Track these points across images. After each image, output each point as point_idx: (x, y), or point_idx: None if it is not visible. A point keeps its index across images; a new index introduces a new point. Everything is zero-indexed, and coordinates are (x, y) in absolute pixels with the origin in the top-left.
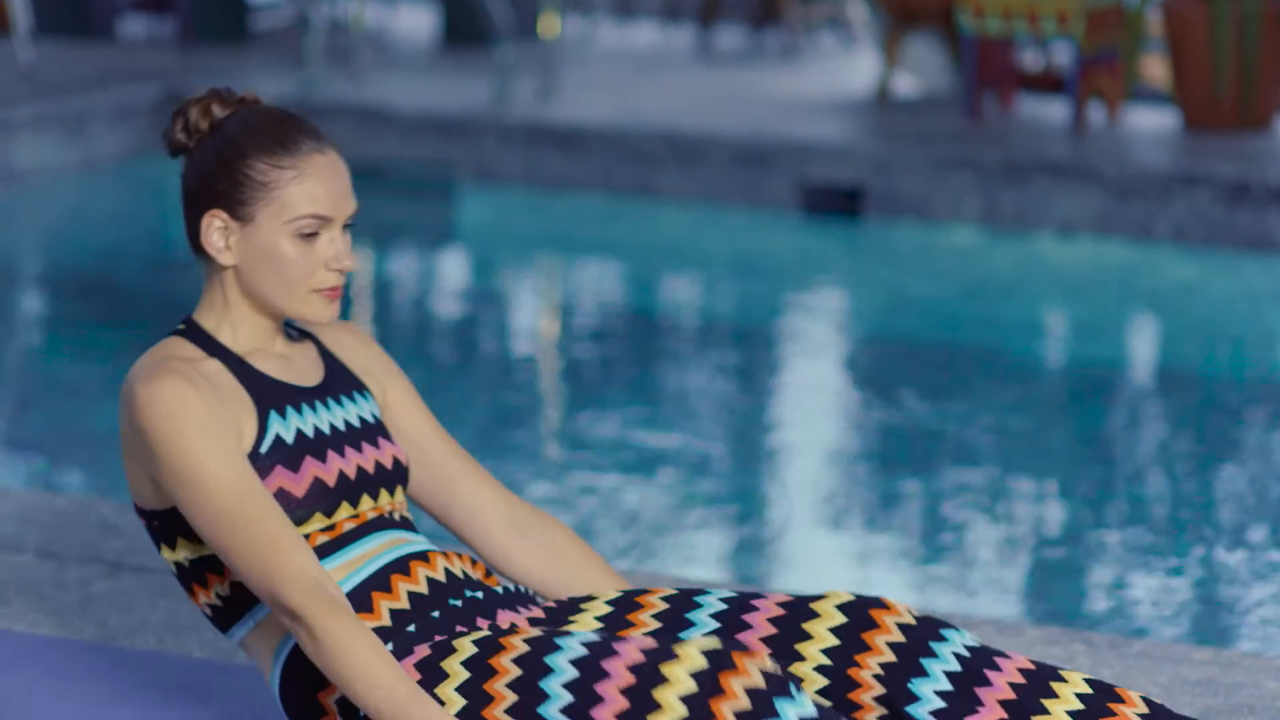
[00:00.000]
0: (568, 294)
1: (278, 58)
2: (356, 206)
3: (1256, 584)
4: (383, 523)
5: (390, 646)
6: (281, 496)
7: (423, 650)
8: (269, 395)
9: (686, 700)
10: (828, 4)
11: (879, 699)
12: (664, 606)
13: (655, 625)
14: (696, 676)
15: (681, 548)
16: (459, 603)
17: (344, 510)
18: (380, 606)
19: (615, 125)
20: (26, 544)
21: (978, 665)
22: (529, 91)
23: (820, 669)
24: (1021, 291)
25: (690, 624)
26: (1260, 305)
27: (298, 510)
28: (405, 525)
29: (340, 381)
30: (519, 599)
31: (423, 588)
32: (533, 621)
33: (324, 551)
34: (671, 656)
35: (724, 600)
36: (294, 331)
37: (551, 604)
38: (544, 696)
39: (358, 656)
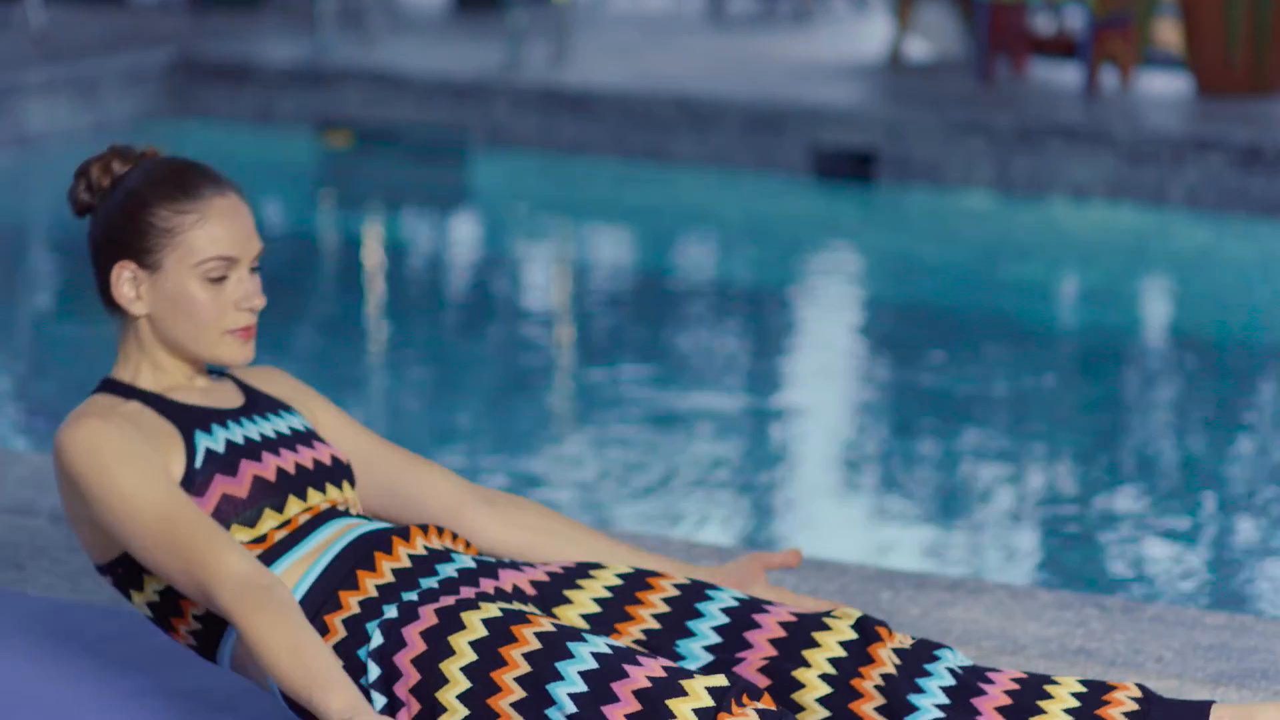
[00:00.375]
0: (580, 258)
1: (289, 22)
2: (262, 246)
3: (1270, 549)
4: (337, 513)
5: (394, 613)
6: (227, 503)
7: (430, 617)
8: (192, 419)
9: None
10: None
11: (880, 709)
12: (674, 593)
13: (664, 610)
14: (700, 713)
15: (694, 511)
16: (454, 569)
17: (294, 504)
18: (365, 582)
19: (627, 89)
20: (40, 508)
21: (972, 679)
22: (541, 55)
23: (825, 677)
24: (1034, 256)
25: (699, 614)
26: (1273, 269)
27: (247, 511)
28: (364, 517)
29: (263, 403)
30: (520, 564)
31: (418, 551)
32: (535, 584)
33: (284, 546)
34: (679, 693)
35: (734, 599)
36: (214, 372)
37: (557, 569)
38: (550, 701)
39: (274, 647)
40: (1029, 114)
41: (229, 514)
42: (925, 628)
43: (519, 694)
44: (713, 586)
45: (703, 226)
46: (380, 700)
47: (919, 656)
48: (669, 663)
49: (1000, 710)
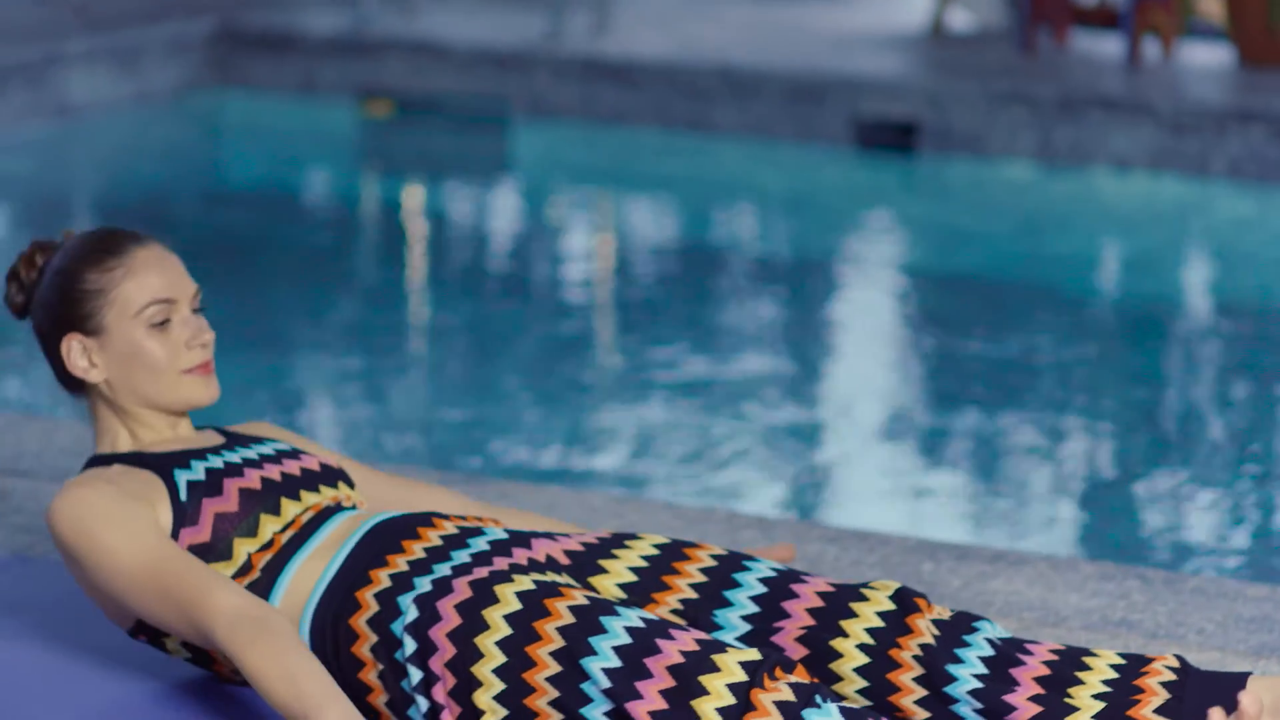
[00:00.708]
0: (621, 228)
1: None
2: (198, 287)
3: None
4: (343, 509)
5: (428, 587)
6: (221, 521)
7: (463, 590)
8: (170, 460)
9: (723, 712)
10: None
11: (918, 679)
12: (710, 564)
13: (701, 580)
14: (734, 689)
15: (734, 481)
16: (485, 542)
17: (290, 506)
18: (395, 559)
19: (669, 59)
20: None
21: (1010, 650)
22: (583, 25)
23: (863, 647)
24: (1075, 227)
25: (737, 585)
26: None
27: (243, 523)
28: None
29: (246, 439)
30: (554, 534)
31: (448, 530)
32: (569, 554)
33: (294, 545)
34: (712, 668)
35: (772, 570)
36: (202, 429)
37: (592, 539)
38: (584, 675)
39: (269, 676)
40: (1071, 85)
41: (227, 530)
42: (966, 599)
43: (554, 668)
44: (750, 557)
45: (743, 197)
46: (416, 675)
47: (957, 628)
48: (703, 636)
49: (1038, 680)
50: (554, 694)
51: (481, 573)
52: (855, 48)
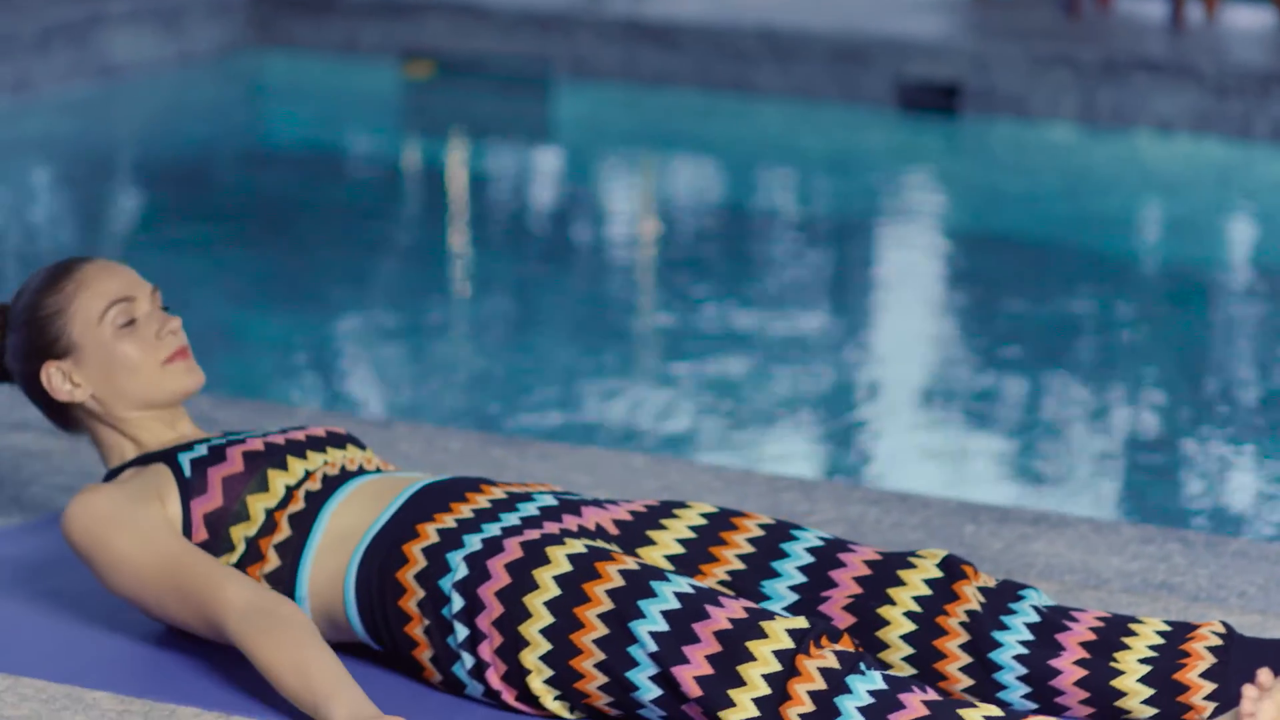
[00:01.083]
0: (662, 190)
1: None
2: (155, 286)
3: None
4: (367, 472)
5: (478, 545)
6: (228, 484)
7: (514, 550)
8: (174, 449)
9: (768, 678)
10: None
11: (964, 646)
12: (758, 533)
13: (749, 550)
14: (780, 655)
15: (777, 443)
16: (535, 507)
17: (296, 464)
18: (443, 516)
19: (711, 21)
20: None
21: (1057, 616)
22: None
23: (910, 615)
24: (1118, 190)
25: (784, 554)
26: None
27: (250, 481)
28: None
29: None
30: (603, 502)
31: (498, 495)
32: (618, 524)
33: (319, 498)
34: (759, 634)
35: (819, 539)
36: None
37: (640, 507)
38: (632, 639)
39: (279, 667)
40: (1114, 47)
41: (237, 490)
42: (1007, 561)
43: (601, 630)
44: (797, 526)
45: (785, 159)
46: (463, 632)
47: (1004, 595)
48: (750, 604)
49: (1084, 645)
50: (600, 656)
51: (532, 534)
52: (898, 9)
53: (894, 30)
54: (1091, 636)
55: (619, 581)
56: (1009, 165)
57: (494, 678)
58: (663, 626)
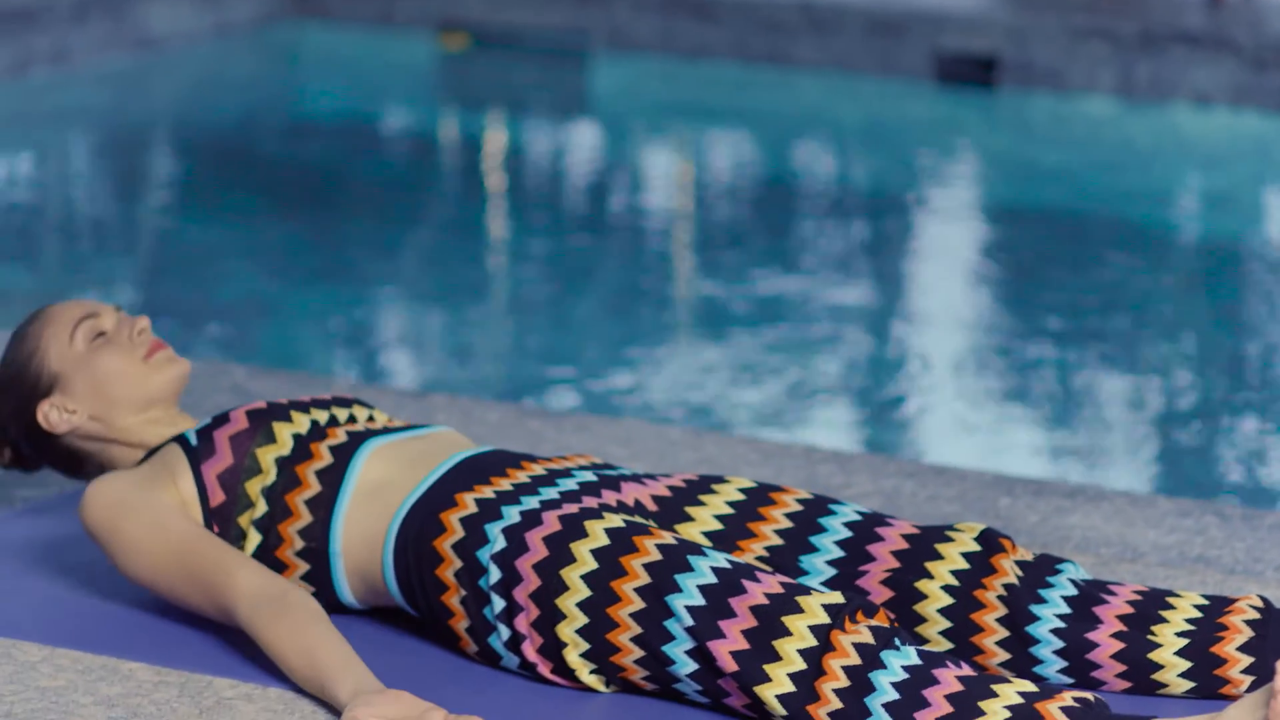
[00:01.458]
0: (700, 163)
1: None
2: (116, 304)
3: None
4: (391, 430)
5: (517, 518)
6: (235, 441)
7: (553, 523)
8: (183, 431)
9: (804, 654)
10: None
11: (1001, 620)
12: (796, 508)
13: (787, 526)
14: (815, 630)
15: (814, 416)
16: (574, 483)
17: (301, 416)
18: (483, 489)
19: None
20: None
21: (1094, 590)
22: None
23: (947, 588)
24: (1156, 163)
25: (822, 529)
26: None
27: (257, 435)
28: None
29: None
30: (641, 477)
31: (537, 471)
32: (657, 500)
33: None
34: (796, 609)
35: (857, 514)
36: None
37: (679, 482)
38: (669, 613)
39: (287, 653)
40: (1152, 19)
41: (245, 446)
42: (1043, 534)
43: (638, 604)
44: (835, 500)
45: (823, 131)
46: (500, 603)
47: (1041, 569)
48: (787, 579)
49: (1121, 618)
50: (637, 630)
51: (571, 508)
52: None
53: (931, 3)
54: (1129, 610)
55: (656, 556)
56: (1046, 138)
57: (530, 650)
58: (699, 601)
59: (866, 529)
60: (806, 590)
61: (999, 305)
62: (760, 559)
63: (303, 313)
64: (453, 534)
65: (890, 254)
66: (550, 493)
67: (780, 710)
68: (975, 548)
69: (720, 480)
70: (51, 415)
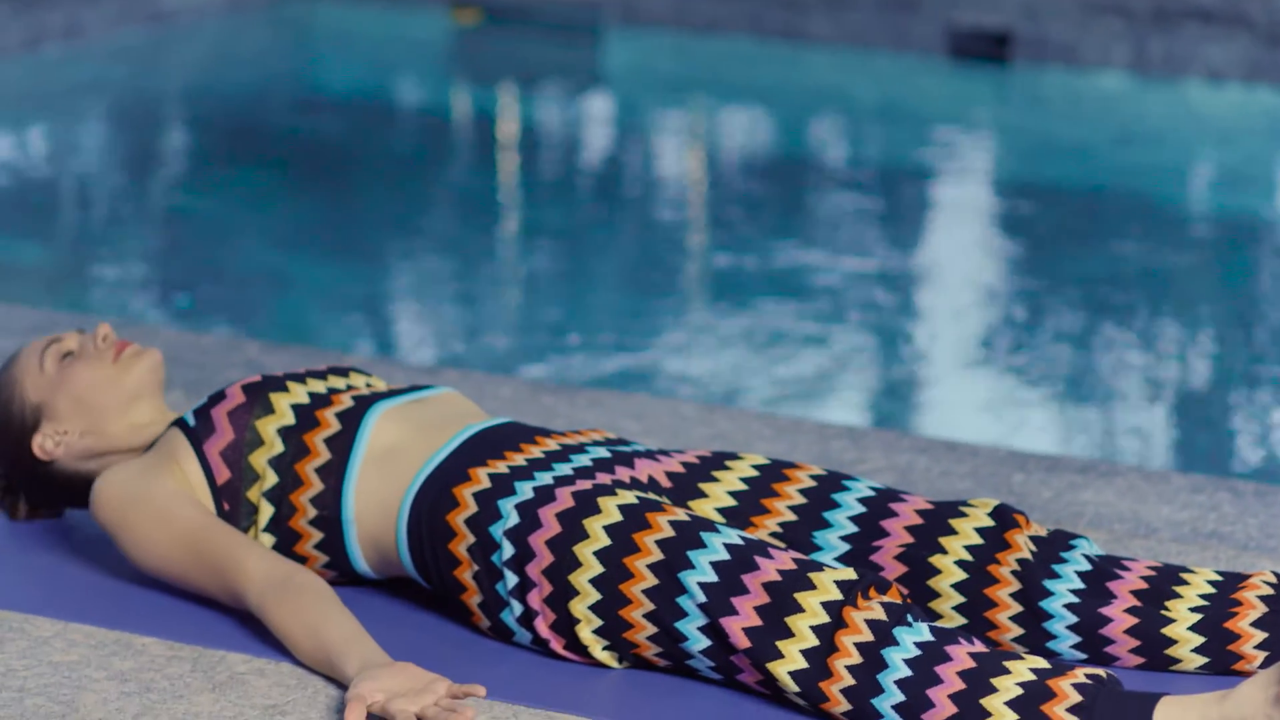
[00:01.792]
0: (713, 138)
1: None
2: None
3: None
4: (397, 393)
5: (530, 493)
6: (234, 416)
7: (566, 499)
8: (179, 416)
9: (816, 630)
10: None
11: (1014, 595)
12: (810, 484)
13: (800, 502)
14: (828, 607)
15: (825, 391)
16: (589, 459)
17: (297, 386)
18: (497, 463)
19: None
20: (175, 382)
21: (1108, 565)
22: None
23: (961, 564)
24: (1169, 139)
25: (836, 505)
26: None
27: (255, 408)
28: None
29: None
30: (655, 453)
31: (551, 447)
32: (671, 476)
33: (353, 421)
34: (808, 586)
35: (870, 489)
36: None
37: (693, 458)
38: (681, 589)
39: (295, 634)
40: None
41: (244, 420)
42: (1057, 510)
43: (651, 580)
44: (849, 476)
45: (837, 107)
46: (512, 579)
47: (1055, 544)
48: (800, 555)
49: (1136, 594)
50: (650, 606)
51: (584, 484)
52: None
53: None
54: (1143, 585)
55: (669, 532)
56: (1059, 114)
57: (542, 626)
58: (712, 578)
59: (880, 505)
60: (819, 566)
61: (1011, 280)
62: (774, 535)
63: (316, 288)
64: (466, 509)
65: (903, 229)
66: (564, 468)
67: (793, 686)
68: (989, 523)
69: (734, 456)
70: (46, 444)
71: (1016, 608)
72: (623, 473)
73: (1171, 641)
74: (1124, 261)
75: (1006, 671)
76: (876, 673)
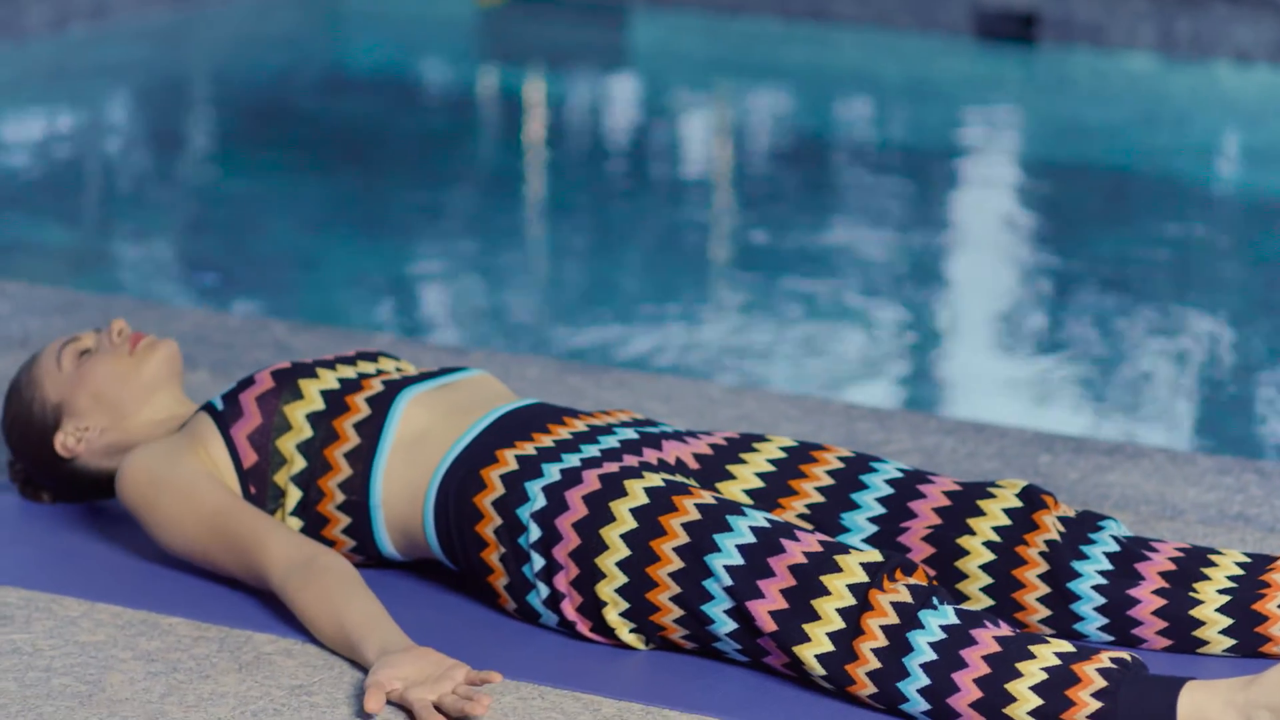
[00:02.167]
0: (739, 119)
1: None
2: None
3: None
4: (428, 377)
5: (557, 476)
6: (263, 401)
7: (592, 482)
8: (207, 401)
9: (842, 613)
10: None
11: (1042, 576)
12: (837, 465)
13: (828, 483)
14: (854, 589)
15: (851, 372)
16: (616, 440)
17: (326, 373)
18: (524, 445)
19: None
20: (201, 362)
21: (1136, 547)
22: None
23: (989, 544)
24: (1196, 119)
25: (864, 486)
26: None
27: (284, 393)
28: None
29: None
30: (683, 434)
31: (579, 428)
32: (699, 458)
33: (383, 405)
34: (834, 568)
35: (898, 471)
36: None
37: (720, 440)
38: (708, 572)
39: (318, 618)
40: None
41: (273, 405)
42: (1083, 492)
43: (677, 564)
44: (876, 458)
45: (863, 88)
46: (539, 561)
47: (1084, 525)
48: (825, 537)
49: (1164, 575)
50: (676, 590)
51: (611, 467)
52: None
53: None
54: (1171, 567)
55: (695, 515)
56: (1087, 95)
57: (569, 609)
58: (737, 560)
59: (908, 486)
60: (845, 549)
61: (1038, 261)
62: (802, 517)
63: (343, 268)
64: (493, 491)
65: (930, 210)
66: (591, 450)
67: (819, 670)
68: (1017, 504)
69: (761, 438)
70: (68, 442)
71: (1044, 589)
72: (650, 455)
73: (1199, 623)
74: (1151, 242)
75: (1031, 656)
76: (901, 656)
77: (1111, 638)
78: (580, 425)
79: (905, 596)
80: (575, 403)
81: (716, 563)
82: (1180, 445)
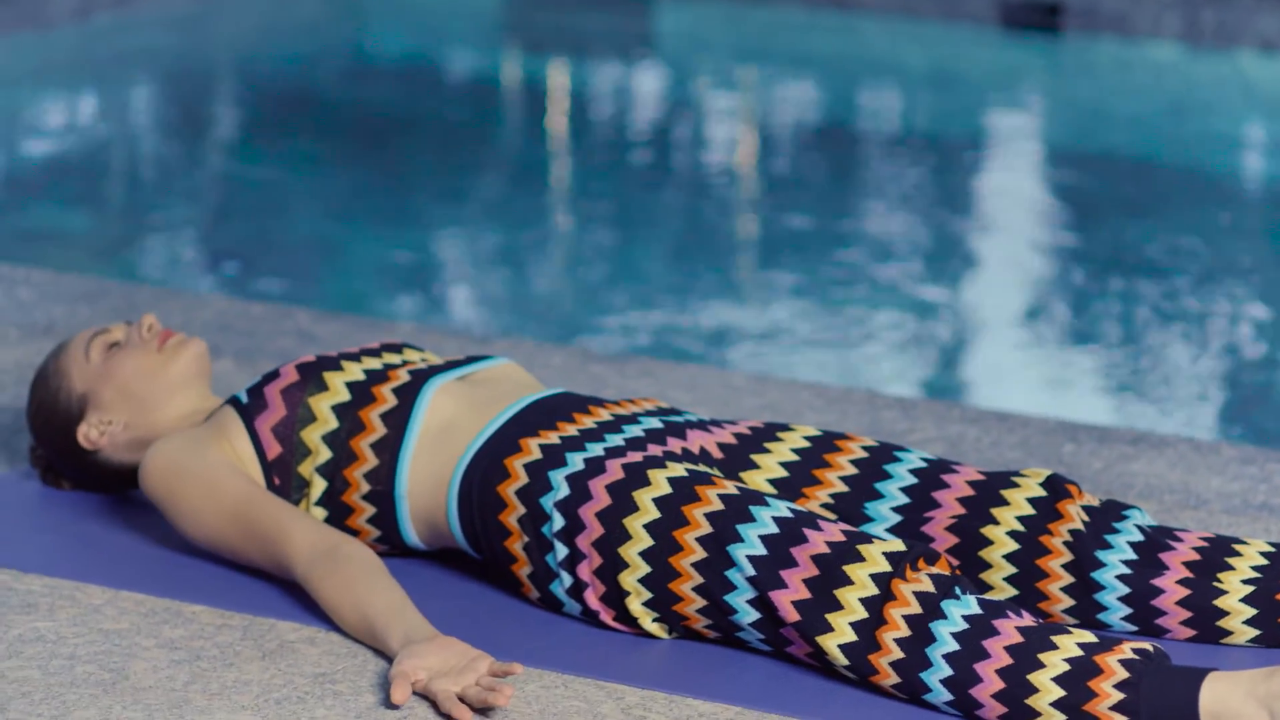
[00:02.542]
0: (764, 107)
1: None
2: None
3: None
4: (454, 366)
5: (580, 465)
6: (287, 394)
7: (616, 471)
8: (232, 395)
9: (865, 602)
10: None
11: (1066, 565)
12: (861, 455)
13: (852, 473)
14: (876, 579)
15: (878, 362)
16: (640, 430)
17: (351, 365)
18: (548, 434)
19: None
20: (225, 350)
21: (1160, 536)
22: None
23: (1013, 534)
24: (1221, 109)
25: (887, 476)
26: None
27: (308, 386)
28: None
29: None
30: (707, 423)
31: (603, 417)
32: (723, 447)
33: (410, 395)
34: (857, 558)
35: (922, 460)
36: None
37: (745, 429)
38: (730, 562)
39: (341, 607)
40: None
41: (297, 397)
42: (1107, 481)
43: (700, 554)
44: (900, 447)
45: (888, 76)
46: (562, 551)
47: (1108, 514)
48: (849, 527)
49: (1188, 565)
50: (699, 580)
51: (635, 456)
52: None
53: None
54: (1195, 556)
55: (718, 505)
56: (1111, 84)
57: (592, 598)
58: (760, 551)
59: (932, 475)
60: (868, 538)
61: (1062, 250)
62: (826, 506)
63: (366, 256)
64: (517, 480)
65: (954, 199)
66: (616, 439)
67: (842, 659)
68: (1041, 493)
69: (785, 428)
70: (91, 434)
71: (1068, 578)
72: (674, 444)
73: (1223, 613)
74: (1176, 231)
75: (1054, 647)
76: (924, 646)
77: (1135, 628)
78: (605, 414)
79: (928, 586)
80: (599, 391)
81: (739, 553)
82: (1204, 434)
